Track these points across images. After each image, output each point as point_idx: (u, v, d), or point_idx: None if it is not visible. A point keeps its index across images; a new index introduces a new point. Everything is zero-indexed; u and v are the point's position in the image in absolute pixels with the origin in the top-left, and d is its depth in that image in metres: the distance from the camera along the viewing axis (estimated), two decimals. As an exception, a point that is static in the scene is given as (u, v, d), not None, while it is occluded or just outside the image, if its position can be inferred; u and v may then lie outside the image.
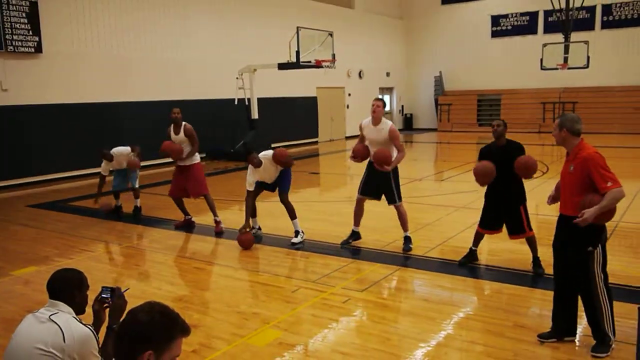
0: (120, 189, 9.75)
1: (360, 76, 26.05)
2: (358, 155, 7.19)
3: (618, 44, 24.74)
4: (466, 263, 6.50)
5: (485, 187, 6.32)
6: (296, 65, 15.81)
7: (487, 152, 6.19)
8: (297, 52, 15.54)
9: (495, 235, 6.61)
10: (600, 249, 4.19)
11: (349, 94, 25.31)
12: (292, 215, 7.66)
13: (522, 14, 26.80)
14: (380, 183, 7.09)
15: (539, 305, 5.26)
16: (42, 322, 2.74)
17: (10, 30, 12.80)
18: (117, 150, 9.47)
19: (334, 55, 16.53)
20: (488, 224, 6.33)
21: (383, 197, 7.19)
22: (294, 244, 7.53)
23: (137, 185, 9.71)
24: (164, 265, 6.90)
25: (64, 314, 2.80)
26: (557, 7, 22.57)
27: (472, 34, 28.09)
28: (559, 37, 23.17)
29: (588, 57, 21.51)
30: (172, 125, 8.46)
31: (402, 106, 30.14)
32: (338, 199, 11.27)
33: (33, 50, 13.31)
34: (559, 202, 4.49)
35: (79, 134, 14.26)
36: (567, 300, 4.41)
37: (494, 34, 27.65)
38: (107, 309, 3.00)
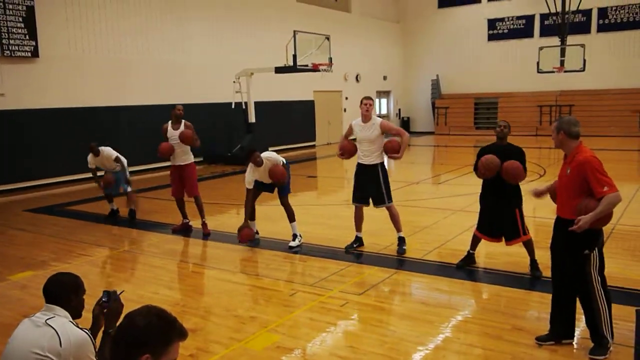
0: (114, 194, 9.76)
1: (357, 80, 26.08)
2: (345, 152, 7.23)
3: (614, 47, 24.83)
4: (464, 266, 6.49)
5: (480, 190, 6.33)
6: (293, 69, 15.83)
7: (488, 152, 6.13)
8: (294, 56, 15.55)
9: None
10: (597, 252, 4.19)
11: (346, 98, 25.33)
12: (291, 218, 7.66)
13: (518, 18, 26.89)
14: (370, 186, 7.10)
15: (537, 308, 5.26)
16: (39, 327, 2.73)
17: (6, 34, 12.78)
18: (106, 150, 9.53)
19: (330, 59, 16.55)
20: (485, 227, 6.32)
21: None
22: (291, 247, 7.52)
23: (129, 190, 9.72)
24: (161, 270, 6.88)
25: (61, 318, 2.78)
26: (553, 10, 22.67)
27: (468, 38, 28.17)
28: (555, 40, 23.24)
29: (584, 60, 21.58)
30: (170, 122, 8.48)
31: (399, 109, 30.18)
32: (335, 202, 11.27)
33: (30, 54, 13.29)
34: (556, 205, 4.49)
35: (76, 138, 14.21)
36: (564, 303, 4.41)
37: (491, 38, 27.73)
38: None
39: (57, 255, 7.58)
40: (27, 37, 13.19)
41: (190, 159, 8.61)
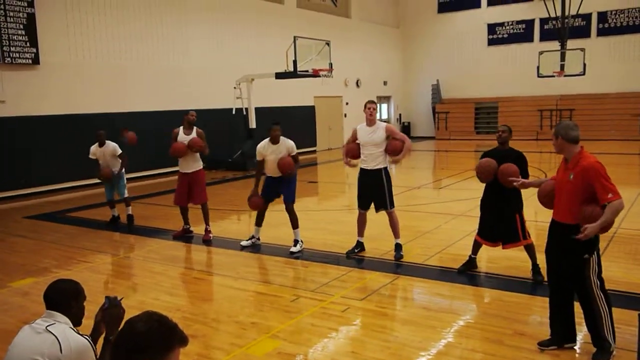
0: (114, 199, 9.77)
1: (357, 85, 26.11)
2: (351, 154, 7.22)
3: (614, 51, 24.87)
4: (465, 271, 6.48)
5: (482, 194, 6.34)
6: (293, 74, 15.85)
7: (489, 157, 6.15)
8: (295, 62, 15.57)
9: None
10: (595, 256, 4.19)
11: (347, 103, 25.35)
12: (295, 224, 7.68)
13: (518, 22, 26.94)
14: (373, 191, 7.10)
15: (539, 312, 5.23)
16: (39, 333, 2.72)
17: (7, 42, 12.82)
18: (112, 144, 9.55)
19: (331, 65, 16.57)
20: (485, 232, 6.32)
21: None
22: (292, 253, 7.52)
23: (126, 195, 9.74)
24: (162, 276, 6.87)
25: (61, 325, 2.78)
26: (553, 15, 22.70)
27: (468, 42, 28.22)
28: (555, 44, 23.26)
29: (584, 65, 21.60)
30: (182, 127, 8.49)
31: (400, 114, 30.19)
32: (336, 207, 11.27)
33: (30, 61, 13.32)
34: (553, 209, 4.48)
35: (76, 145, 14.21)
36: (562, 307, 4.40)
37: (491, 42, 27.77)
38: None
39: (58, 262, 7.57)
40: (28, 44, 13.22)
41: (200, 165, 8.60)
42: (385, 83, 28.68)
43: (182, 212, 8.73)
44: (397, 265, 6.90)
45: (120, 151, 9.56)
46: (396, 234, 7.22)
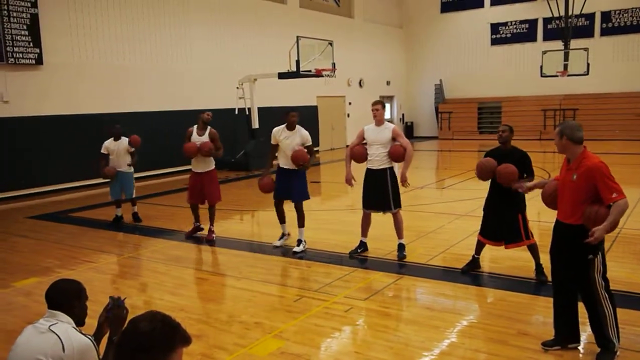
0: (120, 199, 9.79)
1: (360, 85, 26.11)
2: (362, 157, 7.19)
3: (618, 50, 24.81)
4: (469, 271, 6.47)
5: (486, 194, 6.33)
6: (296, 74, 15.83)
7: (492, 157, 6.15)
8: (297, 62, 15.56)
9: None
10: (600, 256, 4.17)
11: (350, 103, 25.35)
12: (301, 223, 7.69)
13: (521, 22, 26.89)
14: (378, 191, 7.09)
15: (543, 312, 5.22)
16: (42, 333, 2.72)
17: (11, 42, 12.85)
18: (125, 138, 9.66)
19: (334, 65, 16.55)
20: (488, 232, 6.31)
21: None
22: (296, 252, 7.52)
23: (133, 195, 9.82)
24: (165, 276, 6.87)
25: (64, 324, 2.78)
26: (556, 14, 22.64)
27: (471, 42, 28.18)
28: (559, 44, 23.21)
29: (588, 64, 21.55)
30: (196, 127, 8.49)
31: (403, 114, 30.18)
32: (339, 207, 11.26)
33: (34, 62, 13.35)
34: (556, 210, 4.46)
35: (79, 145, 14.25)
36: (567, 307, 4.38)
37: (494, 42, 27.74)
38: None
39: (61, 262, 7.58)
40: (31, 44, 13.25)
41: (211, 166, 8.56)
42: (388, 83, 28.66)
43: (193, 210, 8.72)
44: (401, 265, 6.89)
45: (133, 148, 9.67)
46: (399, 234, 7.21)
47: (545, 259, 6.02)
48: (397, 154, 6.97)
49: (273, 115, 19.66)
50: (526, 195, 6.13)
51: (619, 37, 24.76)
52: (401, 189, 7.18)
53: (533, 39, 26.64)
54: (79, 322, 2.92)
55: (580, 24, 24.52)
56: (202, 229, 8.77)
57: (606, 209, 4.00)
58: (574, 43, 22.91)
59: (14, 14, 12.91)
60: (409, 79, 30.26)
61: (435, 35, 29.25)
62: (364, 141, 7.22)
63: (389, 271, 6.65)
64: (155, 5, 16.46)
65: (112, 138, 9.63)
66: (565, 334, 4.40)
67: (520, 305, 5.47)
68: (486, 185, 6.36)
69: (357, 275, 6.61)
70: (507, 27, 27.31)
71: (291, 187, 7.68)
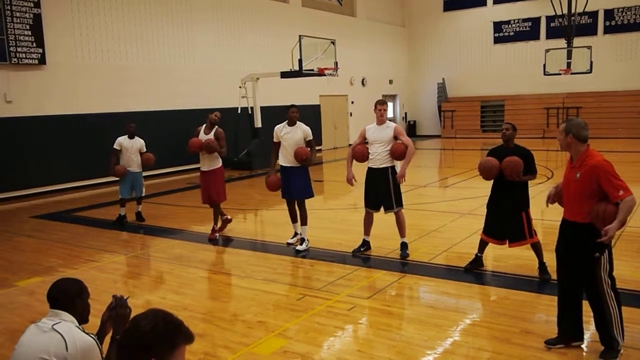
0: (128, 198, 9.80)
1: (363, 84, 26.08)
2: (364, 157, 7.18)
3: (621, 48, 24.74)
4: (472, 269, 6.46)
5: (489, 193, 6.32)
6: (299, 73, 15.84)
7: (495, 154, 6.15)
8: (300, 61, 15.57)
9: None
10: (607, 254, 4.16)
11: (352, 102, 25.34)
12: (304, 221, 7.70)
13: (524, 20, 26.84)
14: (379, 190, 7.09)
15: (546, 311, 5.21)
16: (45, 332, 2.73)
17: (14, 42, 12.88)
18: (139, 138, 9.77)
19: (336, 63, 16.56)
20: (491, 230, 6.30)
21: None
22: (299, 251, 7.53)
23: (143, 194, 9.93)
24: (168, 275, 6.88)
25: (67, 323, 2.78)
26: (559, 12, 22.58)
27: (474, 41, 28.14)
28: (562, 42, 23.14)
29: (591, 62, 21.49)
30: (204, 126, 8.56)
31: (406, 113, 30.15)
32: (342, 206, 11.26)
33: (37, 61, 13.37)
34: (562, 208, 4.45)
35: (82, 145, 14.29)
36: (571, 305, 4.37)
37: (497, 40, 27.69)
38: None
39: (65, 261, 7.59)
40: (34, 44, 13.27)
41: (217, 165, 8.55)
42: (391, 82, 28.63)
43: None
44: (403, 264, 6.89)
45: (145, 149, 9.77)
46: (402, 233, 7.20)
47: (549, 257, 6.02)
48: (398, 151, 6.98)
49: (275, 115, 19.74)
50: (530, 193, 6.13)
51: (622, 35, 24.68)
52: (403, 188, 7.17)
53: (536, 37, 26.58)
54: (82, 320, 2.92)
55: (583, 22, 24.47)
56: (230, 220, 8.84)
57: (614, 207, 3.98)
58: (577, 41, 22.84)
59: (17, 14, 12.93)
60: (412, 78, 30.23)
61: (437, 34, 29.21)
62: (366, 140, 7.22)
63: (392, 270, 6.64)
64: (158, 5, 16.47)
65: (127, 135, 9.69)
66: (569, 332, 4.39)
67: (523, 303, 5.46)
68: (489, 183, 6.35)
69: (360, 273, 6.61)
70: (509, 26, 27.26)
71: (291, 184, 7.69)
